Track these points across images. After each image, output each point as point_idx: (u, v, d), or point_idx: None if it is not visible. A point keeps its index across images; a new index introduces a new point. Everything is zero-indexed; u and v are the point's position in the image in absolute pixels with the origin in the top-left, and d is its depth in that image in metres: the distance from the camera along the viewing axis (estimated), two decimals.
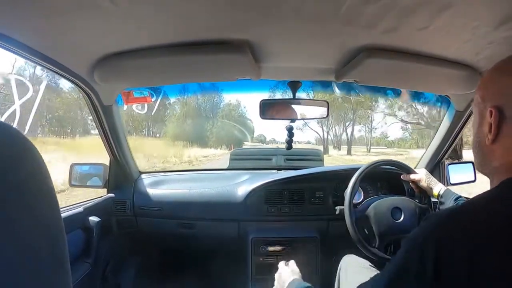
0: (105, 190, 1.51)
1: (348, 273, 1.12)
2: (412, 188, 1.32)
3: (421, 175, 1.26)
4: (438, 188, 1.21)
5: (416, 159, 1.76)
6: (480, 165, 0.59)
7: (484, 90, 0.56)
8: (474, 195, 0.53)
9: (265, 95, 1.24)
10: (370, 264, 1.16)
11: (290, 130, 1.28)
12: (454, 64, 0.94)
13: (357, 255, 1.22)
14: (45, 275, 0.27)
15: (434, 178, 1.26)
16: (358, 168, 1.30)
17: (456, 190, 1.20)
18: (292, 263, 1.04)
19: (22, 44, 0.74)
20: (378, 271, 1.09)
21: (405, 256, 0.49)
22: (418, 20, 0.70)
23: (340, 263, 1.21)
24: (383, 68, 0.96)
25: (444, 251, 0.44)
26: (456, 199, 1.13)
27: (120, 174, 1.52)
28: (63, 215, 1.11)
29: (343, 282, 1.12)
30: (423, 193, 1.28)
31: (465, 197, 1.13)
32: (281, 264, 1.05)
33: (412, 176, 1.28)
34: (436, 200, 1.21)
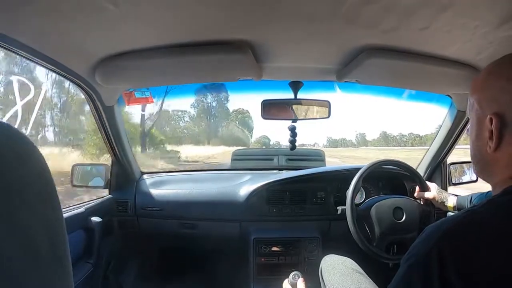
0: (107, 190, 1.51)
1: (333, 275, 1.07)
2: (414, 188, 1.32)
3: (434, 193, 1.26)
4: (451, 200, 1.20)
5: None
6: (481, 173, 0.56)
7: (480, 94, 0.53)
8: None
9: (267, 96, 1.24)
10: (353, 262, 1.13)
11: (293, 130, 1.27)
12: (455, 64, 0.94)
13: (339, 255, 1.19)
14: (46, 275, 0.27)
15: (444, 192, 1.27)
16: (359, 168, 1.30)
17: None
18: (300, 282, 1.00)
19: (24, 45, 0.74)
20: (362, 271, 1.08)
21: (409, 275, 0.46)
22: (418, 20, 0.70)
23: (321, 264, 1.18)
24: (384, 68, 0.96)
25: (448, 266, 0.42)
26: (471, 200, 1.12)
27: (122, 175, 1.52)
28: (65, 215, 1.11)
29: (330, 286, 1.06)
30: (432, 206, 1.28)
31: (477, 193, 1.12)
32: (286, 284, 1.02)
33: (426, 195, 1.28)
34: (452, 212, 1.22)
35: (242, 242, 1.51)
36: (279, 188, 1.51)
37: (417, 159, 1.65)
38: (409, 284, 0.46)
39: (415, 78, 1.08)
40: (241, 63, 0.93)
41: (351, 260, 1.14)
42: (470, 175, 1.57)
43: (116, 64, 0.92)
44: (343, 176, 1.47)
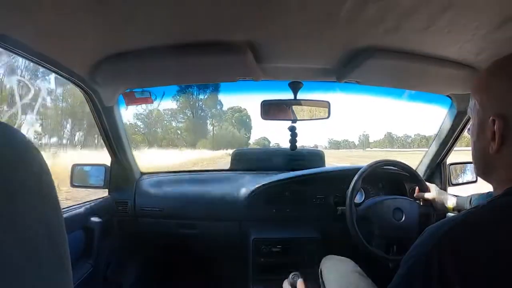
0: (106, 190, 1.51)
1: (333, 276, 1.06)
2: (413, 189, 1.32)
3: (433, 194, 1.26)
4: (451, 201, 1.20)
5: None
6: (483, 174, 0.56)
7: (482, 95, 0.52)
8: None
9: (266, 96, 1.24)
10: (354, 263, 1.11)
11: (293, 131, 1.27)
12: (455, 64, 0.94)
13: (338, 255, 1.17)
14: (46, 275, 0.27)
15: (444, 193, 1.27)
16: (359, 169, 1.30)
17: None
18: (300, 283, 0.99)
19: (24, 45, 0.74)
20: (362, 272, 1.08)
21: (409, 275, 0.46)
22: (418, 21, 0.70)
23: (321, 265, 1.16)
24: (384, 68, 0.96)
25: (449, 267, 0.42)
26: (470, 201, 1.12)
27: (122, 175, 1.52)
28: (64, 215, 1.11)
29: (330, 286, 1.05)
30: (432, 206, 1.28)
31: (477, 194, 1.12)
32: (285, 285, 1.02)
33: (426, 195, 1.28)
34: (452, 213, 1.22)
35: (242, 242, 1.51)
36: (279, 188, 1.50)
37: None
38: (409, 284, 0.45)
39: (415, 79, 1.09)
40: (241, 63, 0.93)
41: (351, 260, 1.13)
42: (470, 175, 1.57)
43: (116, 64, 0.92)
44: (342, 177, 1.46)
